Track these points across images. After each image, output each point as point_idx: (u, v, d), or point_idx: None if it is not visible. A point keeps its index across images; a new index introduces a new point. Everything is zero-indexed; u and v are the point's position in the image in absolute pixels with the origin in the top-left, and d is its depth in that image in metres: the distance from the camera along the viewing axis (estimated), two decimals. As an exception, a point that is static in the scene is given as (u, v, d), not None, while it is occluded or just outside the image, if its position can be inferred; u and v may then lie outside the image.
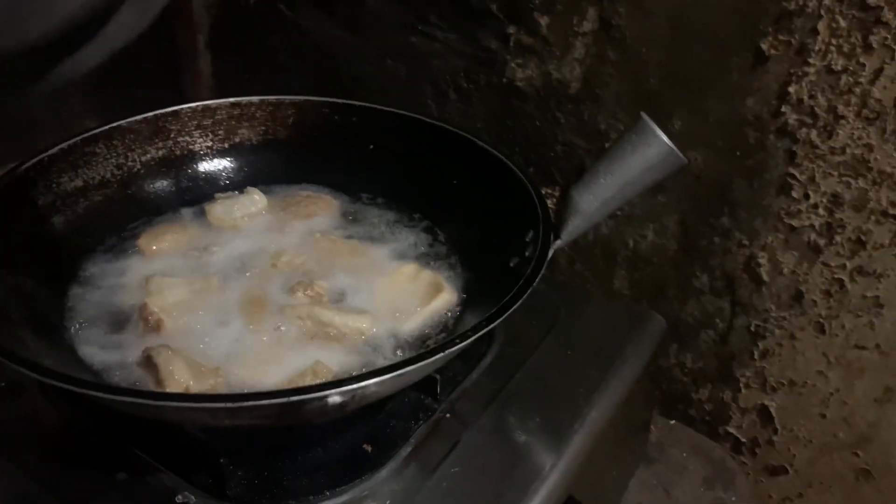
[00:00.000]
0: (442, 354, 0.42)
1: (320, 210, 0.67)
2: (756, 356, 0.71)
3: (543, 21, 0.68)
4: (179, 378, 0.47)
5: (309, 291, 0.57)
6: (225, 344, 0.52)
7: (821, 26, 0.57)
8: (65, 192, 0.60)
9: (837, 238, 0.63)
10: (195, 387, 0.48)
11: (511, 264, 0.55)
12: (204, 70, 0.95)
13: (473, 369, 0.58)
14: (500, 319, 0.45)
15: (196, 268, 0.59)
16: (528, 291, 0.47)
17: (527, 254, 0.53)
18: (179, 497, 0.47)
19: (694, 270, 0.71)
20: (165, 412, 0.41)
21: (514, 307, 0.46)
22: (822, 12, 0.56)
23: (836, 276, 0.65)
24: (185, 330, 0.53)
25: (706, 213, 0.68)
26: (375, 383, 0.41)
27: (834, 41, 0.57)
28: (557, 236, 0.53)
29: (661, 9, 0.63)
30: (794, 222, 0.64)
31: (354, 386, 0.39)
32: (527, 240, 0.55)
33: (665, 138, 0.50)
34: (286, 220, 0.65)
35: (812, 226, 0.63)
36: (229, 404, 0.37)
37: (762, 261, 0.67)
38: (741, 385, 0.73)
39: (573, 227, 0.53)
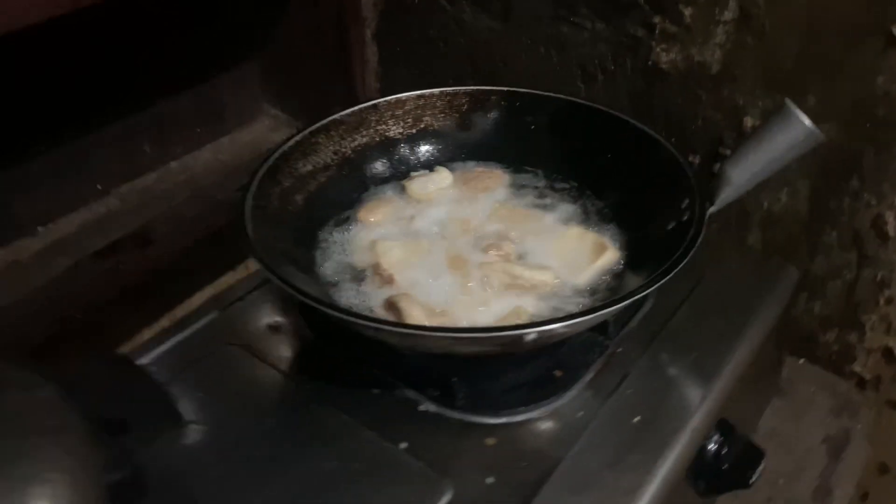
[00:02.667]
0: (623, 304, 0.55)
1: (494, 183, 0.79)
2: (881, 303, 0.79)
3: (687, 11, 0.77)
4: (418, 318, 0.62)
5: (499, 251, 0.70)
6: (442, 292, 0.65)
7: (949, 12, 0.64)
8: (300, 175, 0.73)
9: (960, 199, 0.70)
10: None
11: (668, 227, 0.66)
12: (371, 59, 1.09)
13: (636, 314, 0.69)
14: (671, 275, 0.56)
15: (406, 233, 0.72)
16: (693, 251, 0.58)
17: (684, 219, 0.64)
18: (422, 406, 0.61)
19: (824, 228, 0.79)
20: (439, 342, 0.55)
21: (682, 264, 0.57)
22: (951, 0, 0.64)
23: (958, 232, 0.72)
24: (411, 282, 0.66)
25: (836, 178, 0.76)
26: (573, 323, 0.54)
27: (961, 25, 0.64)
28: (712, 203, 0.64)
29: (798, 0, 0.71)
30: (920, 185, 0.71)
31: (568, 323, 0.53)
32: (682, 207, 0.65)
33: (807, 121, 0.59)
34: (468, 192, 0.77)
35: (937, 188, 0.71)
36: (482, 334, 0.52)
37: (889, 219, 0.74)
38: (866, 329, 0.81)
39: (725, 195, 0.63)
